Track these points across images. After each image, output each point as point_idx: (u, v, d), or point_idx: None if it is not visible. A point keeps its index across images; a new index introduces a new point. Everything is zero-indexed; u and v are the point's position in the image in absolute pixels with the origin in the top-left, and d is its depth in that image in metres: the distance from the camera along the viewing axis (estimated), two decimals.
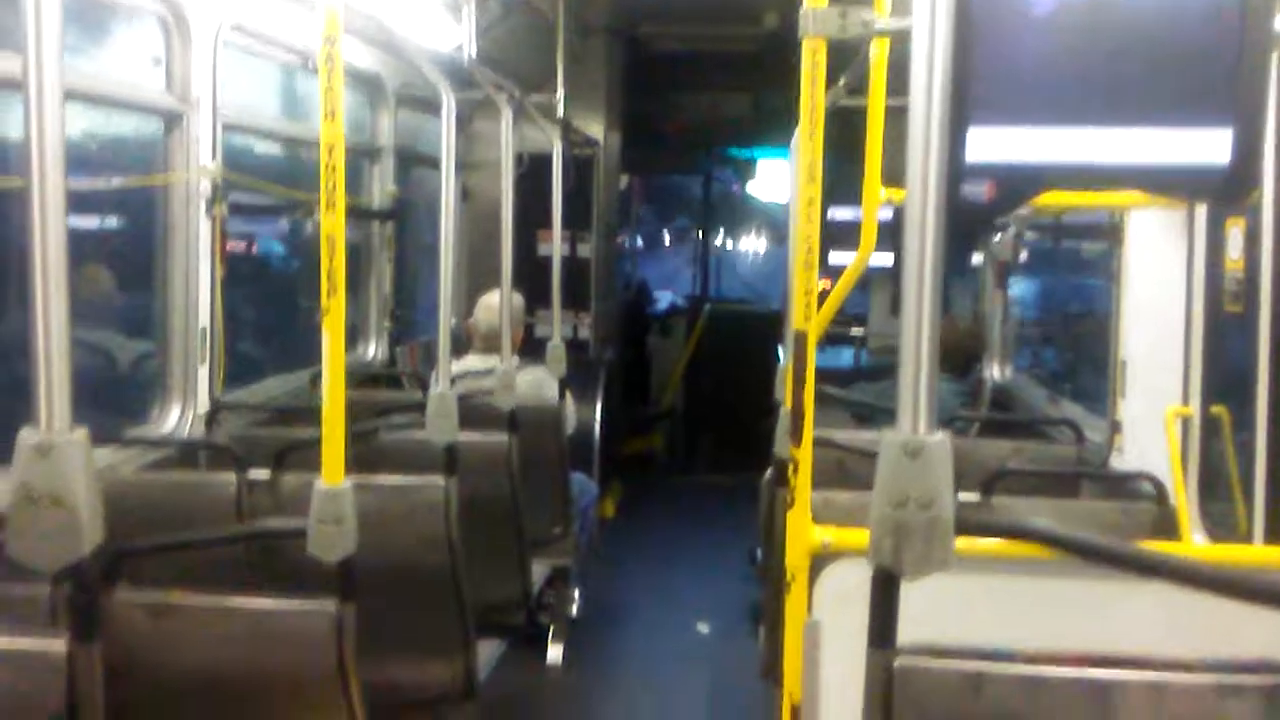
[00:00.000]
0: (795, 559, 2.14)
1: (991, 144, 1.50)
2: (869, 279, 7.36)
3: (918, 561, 1.32)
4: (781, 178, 9.86)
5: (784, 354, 4.04)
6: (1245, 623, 1.50)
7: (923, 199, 1.31)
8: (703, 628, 5.56)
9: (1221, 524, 2.94)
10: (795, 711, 2.01)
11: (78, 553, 1.48)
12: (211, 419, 3.82)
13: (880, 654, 1.41)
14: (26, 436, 1.48)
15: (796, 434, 2.13)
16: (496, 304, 4.38)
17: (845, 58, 2.83)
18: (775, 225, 12.19)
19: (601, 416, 6.64)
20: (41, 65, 1.42)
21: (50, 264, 1.44)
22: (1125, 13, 1.45)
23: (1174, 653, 1.46)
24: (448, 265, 3.34)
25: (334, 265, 2.08)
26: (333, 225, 2.09)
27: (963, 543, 1.35)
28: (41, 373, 1.45)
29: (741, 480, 5.92)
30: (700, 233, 11.22)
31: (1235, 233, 2.76)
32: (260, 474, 3.09)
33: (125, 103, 3.65)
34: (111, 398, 4.00)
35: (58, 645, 1.63)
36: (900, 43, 2.65)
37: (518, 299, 4.76)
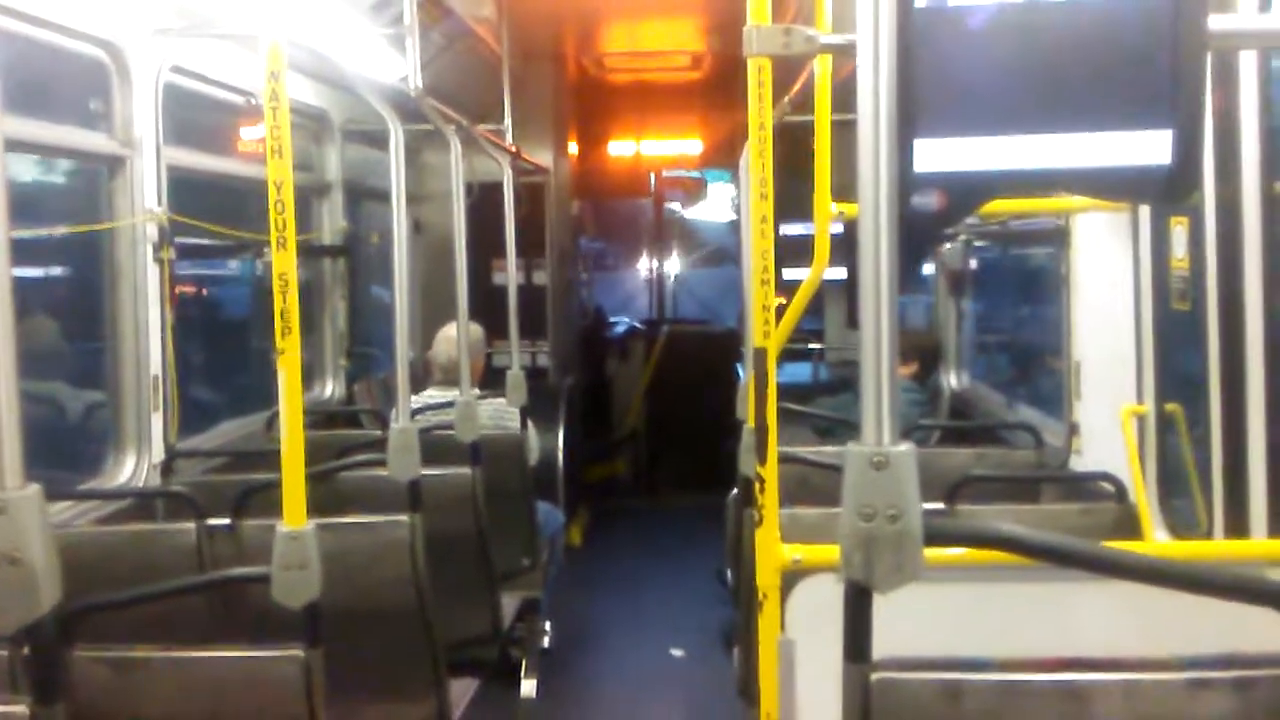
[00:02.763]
0: (766, 578, 2.13)
1: (939, 155, 1.51)
2: (823, 293, 7.40)
3: (889, 574, 1.32)
4: (725, 199, 9.96)
5: (744, 372, 4.04)
6: (1203, 615, 1.51)
7: (875, 211, 1.32)
8: (676, 651, 5.53)
9: (1182, 520, 2.98)
10: None
11: (36, 612, 1.44)
12: (167, 468, 3.75)
13: (857, 668, 1.40)
14: None
15: (761, 451, 2.12)
16: (455, 335, 4.35)
17: (787, 76, 2.85)
18: (714, 245, 12.27)
19: (564, 444, 6.60)
20: None
21: None
22: (1060, 21, 1.47)
23: (1136, 648, 1.47)
24: (403, 298, 3.32)
25: (288, 304, 2.05)
26: (285, 263, 2.06)
27: (930, 553, 1.35)
28: None
29: (706, 501, 5.92)
30: (654, 256, 11.27)
31: (1179, 232, 2.81)
32: (220, 521, 3.03)
33: (66, 149, 3.60)
34: (62, 451, 3.92)
35: (19, 709, 1.58)
36: (843, 59, 2.68)
37: (476, 329, 4.73)
